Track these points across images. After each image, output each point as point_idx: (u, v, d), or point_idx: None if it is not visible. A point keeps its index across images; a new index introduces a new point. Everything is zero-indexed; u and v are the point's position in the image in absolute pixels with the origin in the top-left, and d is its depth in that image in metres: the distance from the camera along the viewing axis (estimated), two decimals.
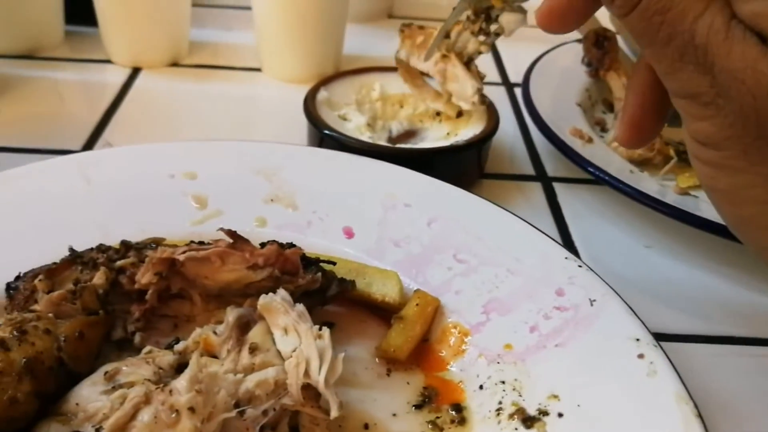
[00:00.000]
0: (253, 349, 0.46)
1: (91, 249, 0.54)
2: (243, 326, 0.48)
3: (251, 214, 0.62)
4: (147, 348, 0.48)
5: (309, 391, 0.46)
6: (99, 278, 0.51)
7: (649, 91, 0.45)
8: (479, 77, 0.72)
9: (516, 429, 0.47)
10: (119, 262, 0.52)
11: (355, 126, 0.74)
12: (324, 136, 0.71)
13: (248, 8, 0.93)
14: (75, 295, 0.50)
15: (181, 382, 0.42)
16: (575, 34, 0.96)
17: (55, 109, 0.81)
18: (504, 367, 0.51)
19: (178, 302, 0.53)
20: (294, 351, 0.46)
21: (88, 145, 0.75)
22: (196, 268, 0.50)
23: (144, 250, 0.53)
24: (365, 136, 0.72)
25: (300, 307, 0.48)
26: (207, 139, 0.69)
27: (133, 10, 0.87)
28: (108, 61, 0.91)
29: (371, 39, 1.04)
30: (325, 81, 0.78)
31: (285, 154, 0.67)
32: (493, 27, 0.69)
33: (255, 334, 0.47)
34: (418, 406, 0.50)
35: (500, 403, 0.49)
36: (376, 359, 0.54)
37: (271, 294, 0.48)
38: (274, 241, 0.52)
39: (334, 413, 0.44)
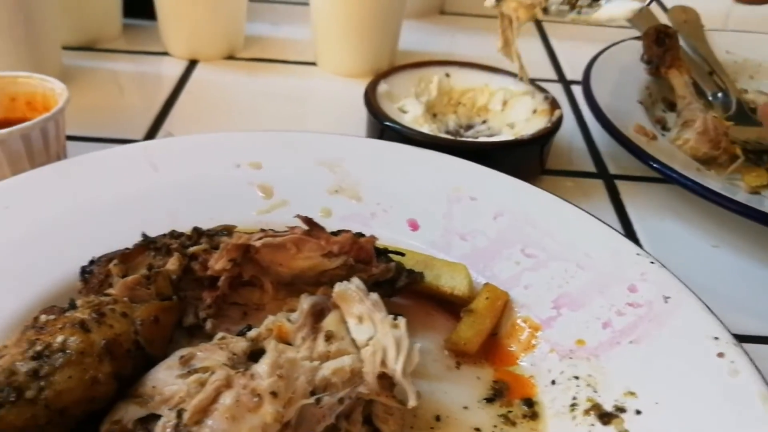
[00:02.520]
0: (329, 337, 0.46)
1: (164, 235, 0.54)
2: (317, 314, 0.48)
3: (316, 205, 0.62)
4: (220, 334, 0.48)
5: (384, 380, 0.45)
6: (172, 264, 0.51)
7: None
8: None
9: (592, 425, 0.46)
10: (192, 249, 0.52)
11: (413, 118, 0.73)
12: (385, 128, 0.71)
13: (303, 3, 0.93)
14: (149, 280, 0.50)
15: (262, 367, 0.42)
16: (633, 31, 0.95)
17: (115, 100, 0.82)
18: (577, 362, 0.51)
19: (248, 290, 0.53)
20: (369, 340, 0.46)
21: (150, 134, 0.76)
22: (271, 254, 0.50)
23: (216, 237, 0.54)
24: (424, 129, 0.72)
25: (374, 296, 0.48)
26: (273, 129, 0.69)
27: (192, 4, 0.87)
28: (165, 54, 0.92)
29: (424, 34, 1.03)
30: (385, 74, 0.77)
31: (348, 146, 0.67)
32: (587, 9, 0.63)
33: (329, 323, 0.47)
34: (490, 400, 0.50)
35: (574, 398, 0.48)
36: (445, 352, 0.53)
37: (346, 282, 0.48)
38: (348, 230, 0.51)
39: (412, 402, 0.44)
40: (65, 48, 0.87)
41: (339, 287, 0.48)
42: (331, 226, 0.59)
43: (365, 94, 0.74)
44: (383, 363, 0.45)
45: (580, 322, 0.53)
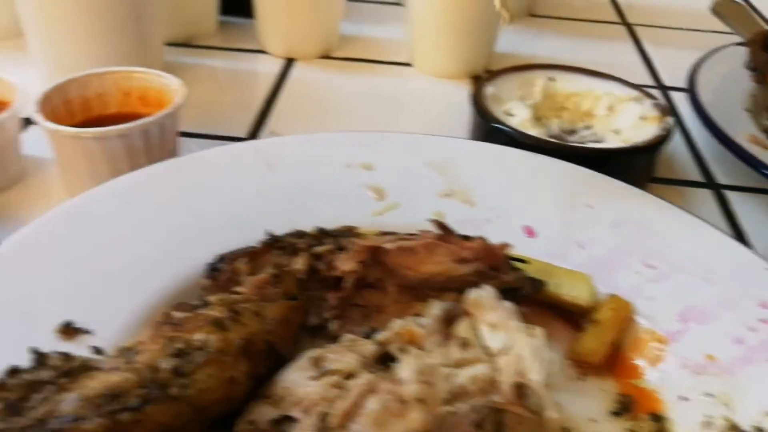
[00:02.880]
0: (463, 345, 0.45)
1: (289, 234, 0.54)
2: (449, 320, 0.47)
3: (429, 208, 0.61)
4: (347, 336, 0.48)
5: (518, 390, 0.45)
6: (299, 264, 0.51)
7: None
8: None
9: None
10: (317, 249, 0.52)
11: (520, 121, 0.72)
12: (493, 130, 0.70)
13: (398, 4, 0.93)
14: (277, 280, 0.50)
15: (406, 372, 0.42)
16: (735, 37, 0.93)
17: (215, 96, 0.82)
18: (708, 378, 0.49)
19: (369, 291, 0.53)
20: (504, 348, 0.45)
21: (254, 132, 0.76)
22: (401, 258, 0.50)
23: (340, 238, 0.54)
24: (532, 132, 0.71)
25: (508, 304, 0.47)
26: (377, 130, 0.68)
27: (290, 2, 0.87)
28: (261, 51, 0.93)
29: (515, 37, 1.02)
30: (490, 76, 0.77)
31: (459, 148, 0.66)
32: None
33: (462, 330, 0.47)
34: (616, 414, 0.49)
35: (707, 416, 0.47)
36: (567, 361, 0.52)
37: (478, 289, 0.48)
38: (480, 236, 0.51)
39: (554, 414, 0.43)
40: (165, 44, 0.88)
41: (473, 294, 0.47)
42: None
43: (473, 95, 0.73)
44: (520, 372, 0.44)
45: (709, 337, 0.51)
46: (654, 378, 0.51)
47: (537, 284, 0.53)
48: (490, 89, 0.75)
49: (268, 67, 0.89)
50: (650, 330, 0.53)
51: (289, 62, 0.91)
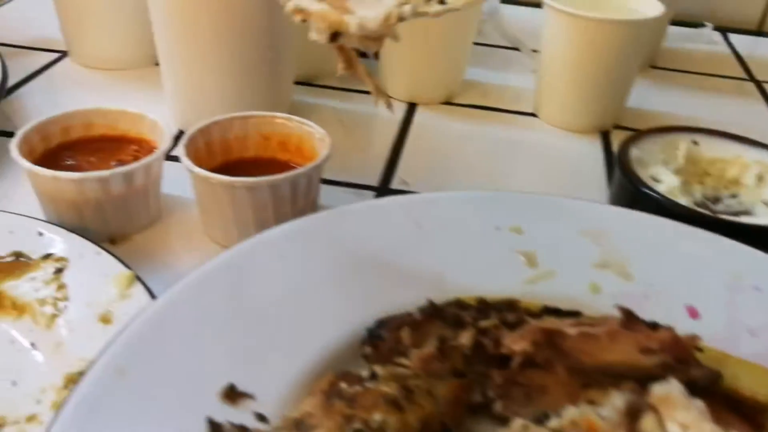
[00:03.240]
0: None
1: (450, 304, 0.52)
2: (632, 414, 0.44)
3: (584, 279, 0.58)
4: (519, 421, 0.45)
5: None
6: (466, 338, 0.49)
7: None
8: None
9: None
10: (483, 323, 0.50)
11: (667, 188, 0.69)
12: (641, 196, 0.67)
13: (517, 49, 0.90)
14: (443, 354, 0.48)
15: None
16: None
17: (341, 140, 0.81)
18: None
19: (533, 371, 0.50)
20: None
21: (384, 181, 0.74)
22: (579, 342, 0.47)
23: (504, 312, 0.51)
24: (681, 201, 0.67)
25: (699, 403, 0.44)
26: (524, 191, 0.66)
27: (414, 47, 0.86)
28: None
29: (639, 90, 0.99)
30: (634, 138, 0.74)
31: (613, 217, 0.63)
32: None
33: (648, 427, 0.44)
34: None
35: None
36: None
37: (666, 383, 0.44)
38: (668, 327, 0.48)
39: None
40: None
41: (660, 389, 0.44)
42: (600, 304, 0.56)
43: (619, 157, 0.70)
44: None
45: None
46: None
47: (714, 376, 0.50)
48: (635, 152, 0.72)
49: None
50: None
51: (412, 107, 0.89)
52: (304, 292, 0.53)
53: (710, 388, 0.50)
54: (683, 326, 0.55)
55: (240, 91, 0.75)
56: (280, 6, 0.73)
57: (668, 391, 0.44)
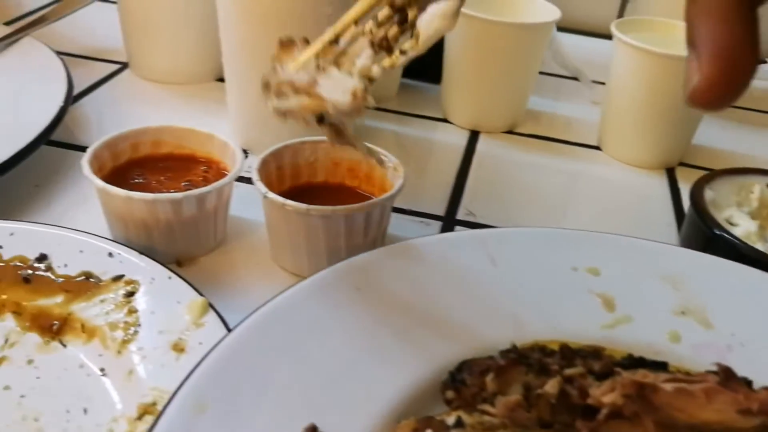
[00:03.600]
0: None
1: (533, 349, 0.50)
2: None
3: (663, 326, 0.56)
4: None
5: None
6: (552, 387, 0.47)
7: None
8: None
9: None
10: (569, 371, 0.48)
11: (744, 233, 0.67)
12: (716, 239, 0.65)
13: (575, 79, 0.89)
14: (529, 403, 0.46)
15: None
16: None
17: (404, 165, 0.80)
18: None
19: (619, 422, 0.48)
20: None
21: (450, 211, 0.73)
22: (673, 398, 0.45)
23: (589, 360, 0.49)
24: (758, 246, 0.65)
25: None
26: (590, 227, 0.64)
27: (484, 72, 0.85)
28: (443, 120, 0.90)
29: (724, 132, 0.97)
30: (707, 178, 0.72)
31: (691, 261, 0.61)
32: (403, 42, 0.45)
33: None
34: None
35: None
36: None
37: None
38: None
39: None
40: None
41: None
42: (680, 353, 0.55)
43: (692, 197, 0.68)
44: None
45: None
46: None
47: None
48: (709, 194, 0.70)
49: (453, 138, 0.86)
50: None
51: (475, 134, 0.88)
52: (382, 328, 0.51)
53: None
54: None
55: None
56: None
57: None
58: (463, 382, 0.48)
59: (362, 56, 0.46)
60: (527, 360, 0.49)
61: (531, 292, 0.57)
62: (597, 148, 0.88)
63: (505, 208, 0.75)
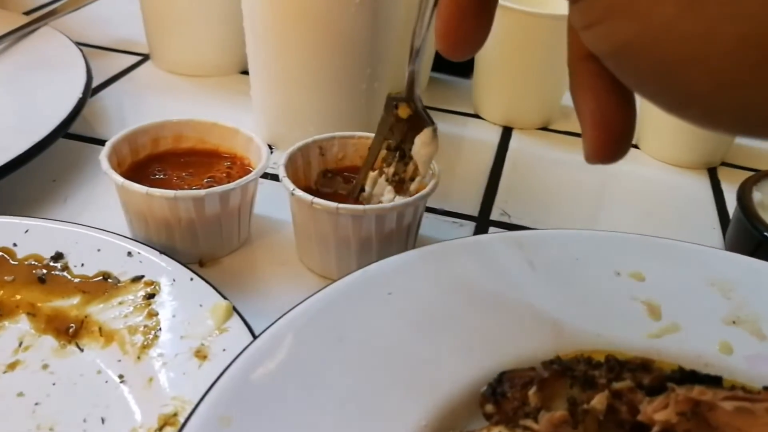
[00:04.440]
0: None
1: (578, 361, 0.47)
2: None
3: (713, 336, 0.53)
4: None
5: None
6: (599, 402, 0.44)
7: None
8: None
9: None
10: (616, 385, 0.45)
11: None
12: (765, 242, 0.61)
13: None
14: (574, 419, 0.43)
15: None
16: None
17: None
18: None
19: None
20: None
21: (484, 210, 0.69)
22: (732, 418, 0.42)
23: (637, 373, 0.46)
24: None
25: None
26: (642, 233, 0.60)
27: (517, 67, 0.81)
28: (474, 116, 0.87)
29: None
30: (755, 179, 0.68)
31: (742, 267, 0.58)
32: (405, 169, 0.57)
33: None
34: None
35: None
36: None
37: None
38: None
39: None
40: None
41: None
42: (732, 364, 0.51)
43: (740, 199, 0.65)
44: None
45: None
46: None
47: None
48: (757, 194, 0.66)
49: (485, 135, 0.83)
50: None
51: (507, 131, 0.84)
52: (414, 335, 0.48)
53: None
54: None
55: (334, 108, 0.71)
56: (381, 20, 0.69)
57: None
58: (504, 395, 0.44)
59: (386, 194, 0.57)
60: (572, 372, 0.46)
61: (572, 298, 0.54)
62: (635, 146, 0.85)
63: (541, 209, 0.72)
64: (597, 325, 0.52)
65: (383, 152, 0.57)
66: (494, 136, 0.83)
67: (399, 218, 0.55)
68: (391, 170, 0.57)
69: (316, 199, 0.54)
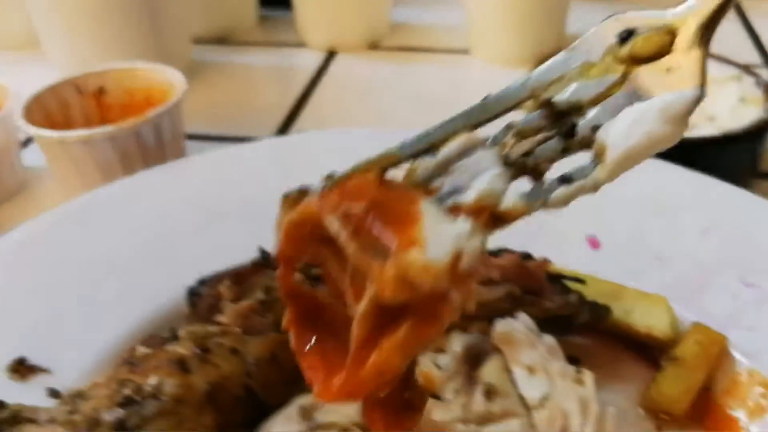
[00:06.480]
0: (490, 393, 0.35)
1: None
2: (473, 359, 0.37)
3: None
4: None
5: None
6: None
7: None
8: None
9: None
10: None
11: None
12: None
13: None
14: (265, 307, 0.41)
15: None
16: None
17: (245, 95, 0.74)
18: None
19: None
20: (544, 398, 0.34)
21: (280, 133, 0.67)
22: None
23: None
24: None
25: (549, 339, 0.36)
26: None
27: None
28: (302, 45, 0.84)
29: (596, 15, 0.89)
30: None
31: None
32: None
33: (489, 372, 0.36)
34: None
35: None
36: (641, 411, 0.40)
37: (509, 319, 0.37)
38: (510, 249, 0.40)
39: None
40: (197, 42, 0.81)
41: (502, 326, 0.37)
42: None
43: None
44: (564, 430, 0.33)
45: None
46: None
47: (598, 311, 0.42)
48: None
49: (307, 61, 0.80)
50: (752, 370, 0.41)
51: (330, 55, 0.82)
52: (130, 253, 0.47)
53: (597, 325, 0.43)
54: (582, 259, 0.47)
55: (120, 51, 0.69)
56: None
57: (512, 328, 0.36)
58: (199, 295, 0.43)
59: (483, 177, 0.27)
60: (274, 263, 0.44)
61: None
62: (467, 52, 0.81)
63: (351, 125, 0.69)
64: None
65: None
66: (315, 62, 0.80)
67: (138, 140, 0.53)
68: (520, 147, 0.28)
69: (44, 131, 0.52)
